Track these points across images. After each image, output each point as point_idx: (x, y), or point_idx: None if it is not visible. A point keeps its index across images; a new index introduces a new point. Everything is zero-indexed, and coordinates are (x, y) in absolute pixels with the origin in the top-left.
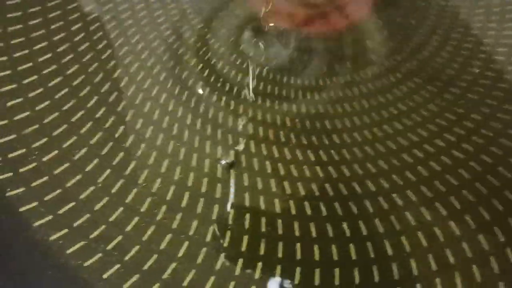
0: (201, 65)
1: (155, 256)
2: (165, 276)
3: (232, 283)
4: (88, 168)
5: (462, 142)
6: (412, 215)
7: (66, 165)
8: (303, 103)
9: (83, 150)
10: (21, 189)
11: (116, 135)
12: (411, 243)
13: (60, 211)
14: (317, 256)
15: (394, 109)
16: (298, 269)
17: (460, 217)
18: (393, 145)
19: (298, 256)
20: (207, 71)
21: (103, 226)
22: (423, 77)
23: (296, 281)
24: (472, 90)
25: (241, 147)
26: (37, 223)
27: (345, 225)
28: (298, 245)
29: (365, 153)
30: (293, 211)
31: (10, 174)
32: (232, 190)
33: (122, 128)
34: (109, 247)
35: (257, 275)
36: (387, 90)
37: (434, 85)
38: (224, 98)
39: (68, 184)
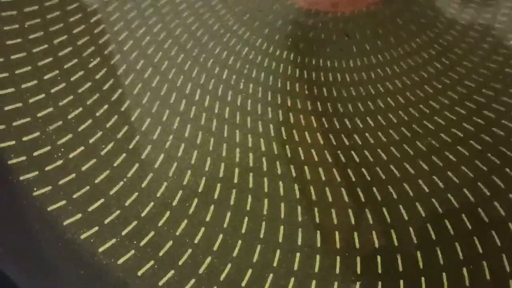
0: (225, 52)
1: (189, 251)
2: (201, 270)
3: (271, 276)
4: (116, 163)
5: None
6: None
7: (93, 161)
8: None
9: (110, 145)
10: (48, 188)
11: (143, 128)
12: None
13: (90, 209)
14: None
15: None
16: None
17: None
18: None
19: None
20: (232, 58)
21: (135, 222)
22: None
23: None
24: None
25: None
26: (66, 222)
27: None
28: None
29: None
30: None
31: (36, 172)
32: None
33: (148, 120)
34: (142, 243)
35: (295, 266)
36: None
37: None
38: (251, 86)
39: (97, 181)
